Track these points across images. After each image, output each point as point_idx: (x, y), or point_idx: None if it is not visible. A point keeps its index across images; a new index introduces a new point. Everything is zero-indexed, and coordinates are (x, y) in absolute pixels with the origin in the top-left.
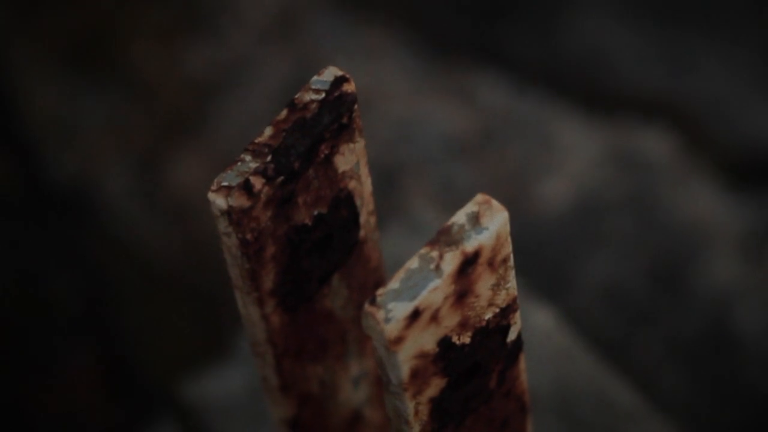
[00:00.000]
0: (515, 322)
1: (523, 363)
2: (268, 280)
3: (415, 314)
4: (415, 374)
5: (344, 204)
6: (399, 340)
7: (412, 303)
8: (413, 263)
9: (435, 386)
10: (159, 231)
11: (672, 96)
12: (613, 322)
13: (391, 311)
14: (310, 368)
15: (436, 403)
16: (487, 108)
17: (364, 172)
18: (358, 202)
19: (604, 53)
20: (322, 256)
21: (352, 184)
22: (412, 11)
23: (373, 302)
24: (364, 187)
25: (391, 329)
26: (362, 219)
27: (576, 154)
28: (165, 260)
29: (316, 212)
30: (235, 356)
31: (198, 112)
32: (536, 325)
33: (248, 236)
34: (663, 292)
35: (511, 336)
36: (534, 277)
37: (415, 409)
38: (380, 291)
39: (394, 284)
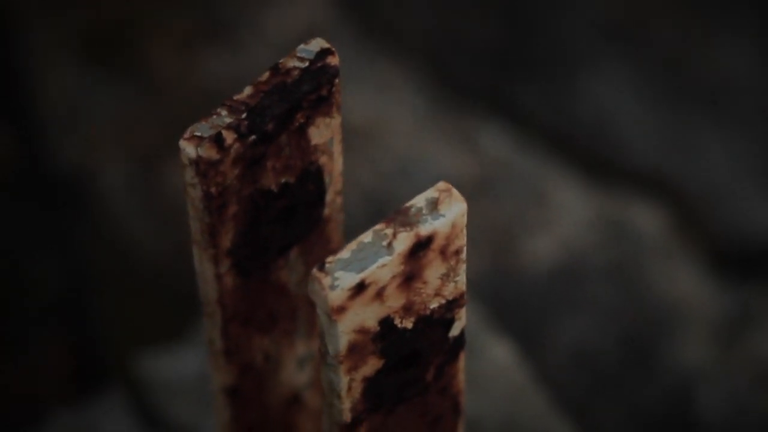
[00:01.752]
0: (460, 318)
1: (462, 362)
2: (227, 239)
3: (361, 287)
4: (352, 348)
5: (313, 178)
6: (341, 309)
7: (358, 275)
8: (367, 237)
9: (371, 366)
10: (149, 230)
11: (670, 174)
12: (578, 384)
13: (337, 279)
14: (257, 338)
15: (370, 384)
16: (488, 156)
17: (337, 149)
18: (326, 179)
19: (611, 121)
20: (283, 226)
21: (323, 159)
22: (427, 51)
23: (321, 268)
24: (334, 165)
25: (335, 297)
26: (328, 197)
27: (567, 215)
28: (150, 259)
29: (283, 180)
30: (194, 343)
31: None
32: (494, 357)
33: (212, 190)
34: (631, 364)
35: (454, 331)
36: (508, 328)
37: (348, 384)
38: (330, 258)
39: (344, 254)
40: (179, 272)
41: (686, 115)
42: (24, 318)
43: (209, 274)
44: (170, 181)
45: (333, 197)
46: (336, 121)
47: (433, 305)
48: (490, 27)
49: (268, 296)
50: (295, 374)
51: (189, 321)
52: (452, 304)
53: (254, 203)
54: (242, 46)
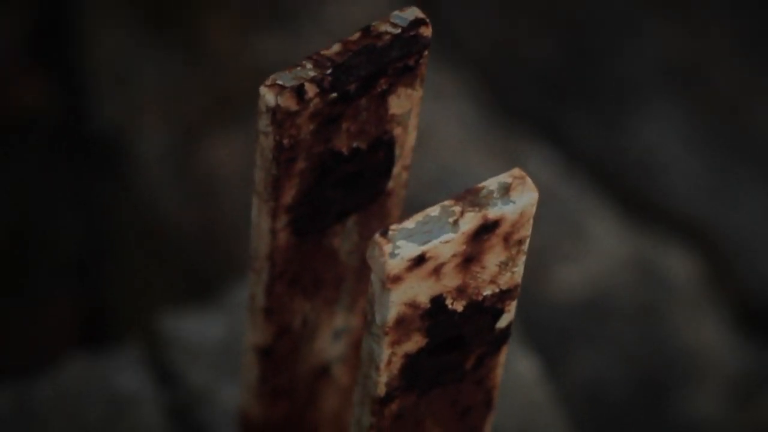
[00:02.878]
0: (509, 311)
1: (503, 357)
2: (289, 195)
3: (420, 259)
4: (400, 321)
5: (384, 148)
6: (397, 279)
7: (420, 247)
8: (434, 211)
9: (414, 343)
10: (178, 199)
11: (709, 223)
12: (588, 415)
13: (398, 248)
14: (299, 302)
15: (409, 361)
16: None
17: (413, 123)
18: (397, 151)
19: (657, 162)
20: (346, 192)
21: (397, 131)
22: (485, 65)
23: (384, 234)
24: (408, 138)
25: (393, 265)
26: (395, 170)
27: (601, 250)
28: (176, 228)
29: (355, 144)
30: (222, 310)
31: (252, 100)
32: (518, 371)
33: (285, 141)
34: (643, 405)
35: (502, 323)
36: (533, 347)
37: (389, 358)
38: (394, 226)
39: (409, 224)
40: (204, 244)
41: (733, 166)
42: (43, 270)
43: (264, 228)
44: (207, 154)
45: (400, 171)
46: (417, 94)
47: (487, 292)
48: (551, 52)
49: (318, 261)
50: (329, 345)
51: (213, 288)
52: (505, 295)
53: (322, 163)
54: (299, 32)
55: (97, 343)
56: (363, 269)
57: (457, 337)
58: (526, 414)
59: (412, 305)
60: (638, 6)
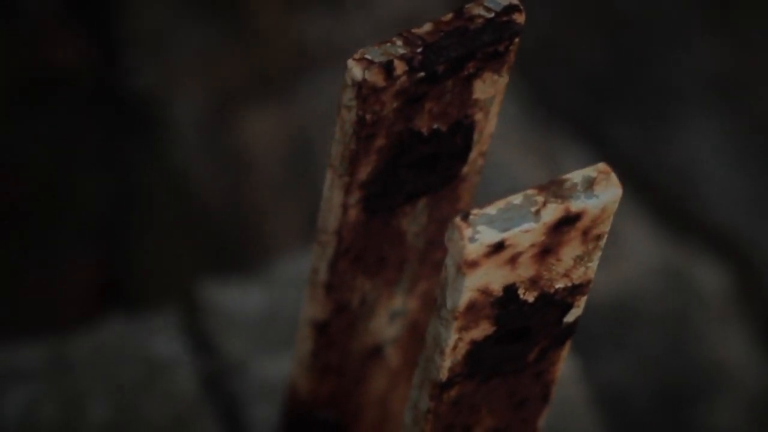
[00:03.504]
0: (578, 306)
1: (565, 353)
2: (364, 171)
3: (499, 246)
4: (470, 307)
5: (463, 132)
6: (473, 264)
7: (500, 234)
8: (516, 199)
9: (481, 330)
10: (209, 168)
11: (742, 236)
12: (607, 420)
13: (478, 233)
14: (360, 279)
15: (474, 348)
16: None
17: (495, 110)
18: (476, 136)
19: (696, 173)
20: (420, 173)
21: (479, 116)
22: (529, 62)
23: (464, 218)
24: (488, 125)
25: (472, 250)
26: (472, 155)
27: (633, 256)
28: (204, 197)
29: (435, 126)
30: (259, 281)
31: (291, 77)
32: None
33: (367, 116)
34: (663, 414)
35: (569, 318)
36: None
37: (455, 343)
38: (476, 211)
39: (491, 210)
40: (233, 214)
41: None
42: (68, 228)
43: (336, 203)
44: (242, 126)
45: (476, 156)
46: (503, 80)
47: (559, 285)
48: (599, 54)
49: (384, 240)
50: (384, 326)
51: (243, 259)
52: (576, 289)
53: (401, 142)
54: (345, 16)
55: (119, 306)
56: (427, 252)
57: (523, 328)
58: (558, 411)
59: (485, 292)
60: (688, 17)
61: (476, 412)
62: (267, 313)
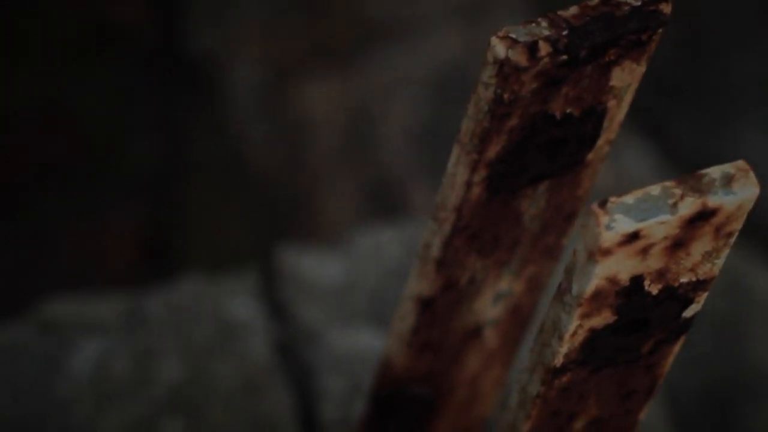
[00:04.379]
0: (698, 302)
1: (678, 348)
2: (493, 150)
3: (634, 236)
4: (596, 295)
5: (595, 118)
6: (607, 252)
7: (637, 224)
8: (654, 190)
9: (602, 319)
10: (262, 135)
11: None
12: (657, 418)
13: (614, 221)
14: (472, 259)
15: (592, 336)
16: (624, 170)
17: (628, 99)
18: (605, 124)
19: (755, 174)
20: (547, 156)
21: (612, 103)
22: None
23: (602, 205)
24: (618, 113)
25: (607, 238)
26: (599, 142)
27: None
28: (256, 164)
29: (568, 110)
30: (335, 251)
31: (353, 49)
32: None
33: (505, 95)
34: (707, 416)
35: (688, 313)
36: None
37: (575, 329)
38: (614, 199)
39: (628, 199)
40: (285, 182)
41: None
42: (115, 185)
43: (460, 180)
44: (298, 96)
45: (603, 144)
46: (641, 69)
47: (684, 279)
48: (663, 47)
49: (502, 221)
50: (487, 306)
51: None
52: (700, 285)
53: (533, 124)
54: None
55: (159, 266)
56: (540, 236)
57: (643, 320)
58: None
59: (612, 281)
60: (757, 18)
61: (583, 401)
62: (346, 286)
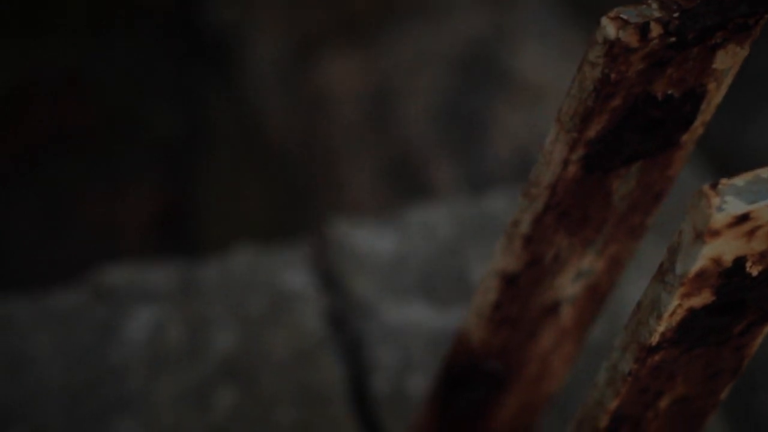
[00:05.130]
0: None
1: (766, 329)
2: (594, 129)
3: (743, 218)
4: (699, 275)
5: (693, 100)
6: (715, 233)
7: (747, 206)
8: (764, 173)
9: (701, 299)
10: (285, 109)
11: None
12: None
13: (726, 203)
14: (559, 237)
15: (689, 316)
16: None
17: (728, 81)
18: (703, 106)
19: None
20: (644, 137)
21: (711, 86)
22: None
23: (713, 186)
24: (716, 96)
25: (718, 220)
26: (695, 124)
27: None
28: (275, 138)
29: (669, 92)
30: (389, 224)
31: (375, 24)
32: None
33: (613, 75)
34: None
35: None
36: None
37: (674, 309)
38: (724, 181)
39: (738, 181)
40: (300, 157)
41: None
42: (132, 153)
43: (557, 157)
44: (319, 70)
45: (698, 125)
46: (743, 53)
47: None
48: None
49: (592, 200)
50: (567, 284)
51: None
52: None
53: (635, 104)
54: None
55: (174, 237)
56: (626, 216)
57: (740, 301)
58: None
59: (716, 262)
60: None
61: (672, 380)
62: (399, 259)
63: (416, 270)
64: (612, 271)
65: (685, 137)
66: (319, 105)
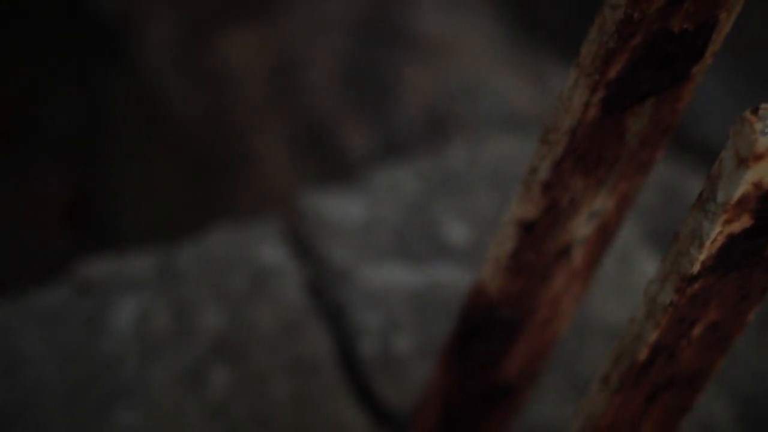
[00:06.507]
0: None
1: None
2: (614, 70)
3: None
4: (741, 201)
5: (706, 32)
6: (759, 157)
7: None
8: None
9: (740, 224)
10: (187, 92)
11: None
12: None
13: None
14: (576, 179)
15: (729, 242)
16: (553, 95)
17: (737, 10)
18: (714, 36)
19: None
20: (658, 72)
21: (723, 16)
22: None
23: (755, 112)
24: (726, 26)
25: (762, 144)
26: (705, 55)
27: None
28: (182, 118)
29: (685, 26)
30: (363, 192)
31: (265, 1)
32: (645, 270)
33: (635, 14)
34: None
35: None
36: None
37: (715, 236)
38: (765, 105)
39: None
40: (209, 139)
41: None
42: (35, 147)
43: (578, 102)
44: (218, 45)
45: (708, 57)
46: None
47: None
48: None
49: (608, 139)
50: (581, 225)
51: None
52: None
53: (653, 40)
54: None
55: (85, 226)
56: (637, 152)
57: None
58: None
59: (757, 186)
60: None
61: (706, 306)
62: (370, 222)
63: (389, 231)
64: (621, 208)
65: (695, 69)
66: (223, 84)
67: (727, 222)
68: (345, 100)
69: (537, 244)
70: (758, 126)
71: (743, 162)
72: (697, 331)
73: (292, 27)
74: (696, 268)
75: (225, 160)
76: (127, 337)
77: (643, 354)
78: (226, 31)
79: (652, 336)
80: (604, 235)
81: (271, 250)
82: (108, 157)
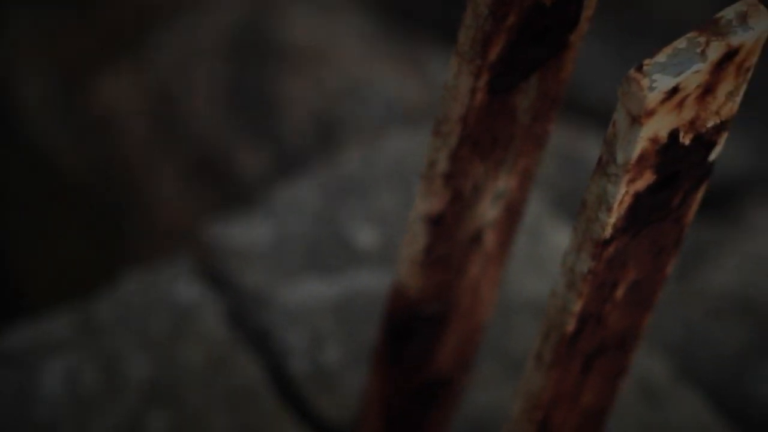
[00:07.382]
0: (720, 143)
1: (700, 195)
2: (494, 52)
3: (673, 92)
4: (641, 158)
5: (575, 1)
6: (651, 113)
7: (675, 79)
8: (681, 44)
9: (644, 181)
10: (71, 143)
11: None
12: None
13: (654, 82)
14: (475, 165)
15: (635, 201)
16: (436, 83)
17: None
18: (585, 2)
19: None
20: (536, 46)
21: None
22: None
23: (639, 69)
24: None
25: (651, 99)
26: (580, 22)
27: None
28: (71, 171)
29: None
30: (259, 212)
31: (138, 34)
32: (556, 243)
33: None
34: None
35: (712, 156)
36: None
37: (621, 197)
38: (647, 61)
39: (660, 58)
40: (100, 185)
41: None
42: None
43: (464, 89)
44: (95, 94)
45: (583, 22)
46: None
47: (710, 123)
48: None
49: (499, 120)
50: (487, 209)
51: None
52: (722, 126)
53: (527, 17)
54: None
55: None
56: (531, 127)
57: (673, 174)
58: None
59: (654, 140)
60: None
61: (624, 267)
62: (276, 242)
63: (299, 248)
64: (524, 185)
65: (573, 37)
66: (107, 128)
67: (631, 181)
68: (231, 124)
69: (447, 236)
70: (645, 82)
71: (636, 120)
72: (619, 293)
73: (167, 60)
74: (608, 232)
75: (122, 206)
76: (60, 401)
77: (570, 325)
78: (102, 75)
79: (577, 305)
80: (512, 214)
81: (186, 288)
82: (5, 231)
